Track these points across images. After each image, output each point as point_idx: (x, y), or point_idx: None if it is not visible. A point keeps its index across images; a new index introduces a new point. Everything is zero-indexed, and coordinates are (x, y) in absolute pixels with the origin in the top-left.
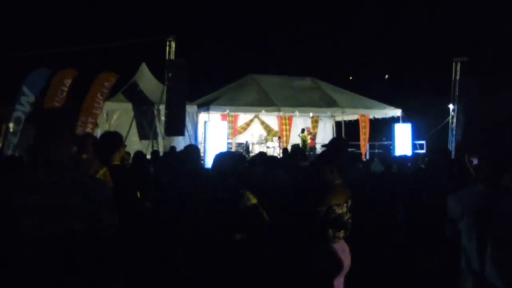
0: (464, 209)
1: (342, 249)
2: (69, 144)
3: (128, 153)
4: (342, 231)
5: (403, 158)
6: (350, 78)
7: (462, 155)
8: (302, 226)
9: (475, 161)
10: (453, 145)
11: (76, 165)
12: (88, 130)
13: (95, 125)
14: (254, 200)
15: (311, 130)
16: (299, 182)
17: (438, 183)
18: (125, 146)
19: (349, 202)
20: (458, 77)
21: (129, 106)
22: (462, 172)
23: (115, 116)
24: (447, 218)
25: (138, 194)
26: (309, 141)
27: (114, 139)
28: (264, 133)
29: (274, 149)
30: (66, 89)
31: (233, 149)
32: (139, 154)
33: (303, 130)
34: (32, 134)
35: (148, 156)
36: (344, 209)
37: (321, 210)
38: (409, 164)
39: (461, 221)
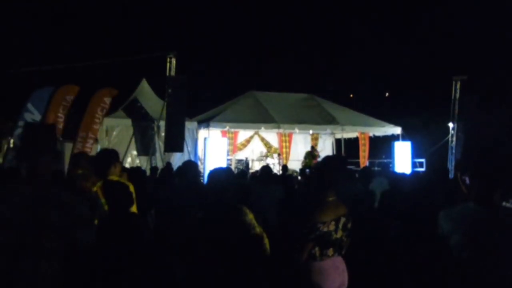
0: (455, 226)
1: (334, 266)
2: (49, 158)
3: (126, 169)
4: (331, 249)
5: (402, 176)
6: (351, 95)
7: (456, 173)
8: (289, 243)
9: (468, 180)
10: (453, 163)
11: (71, 179)
12: (88, 145)
13: (95, 140)
14: (250, 216)
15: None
16: (292, 199)
17: (434, 202)
18: (121, 162)
19: (342, 220)
20: (458, 95)
21: (129, 122)
22: (457, 191)
23: (115, 132)
24: (438, 234)
25: (135, 209)
26: (312, 161)
27: (109, 156)
28: (264, 150)
29: (274, 166)
30: (68, 105)
31: (233, 166)
32: (138, 170)
33: (312, 148)
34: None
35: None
36: (332, 227)
37: (304, 227)
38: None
39: (451, 238)
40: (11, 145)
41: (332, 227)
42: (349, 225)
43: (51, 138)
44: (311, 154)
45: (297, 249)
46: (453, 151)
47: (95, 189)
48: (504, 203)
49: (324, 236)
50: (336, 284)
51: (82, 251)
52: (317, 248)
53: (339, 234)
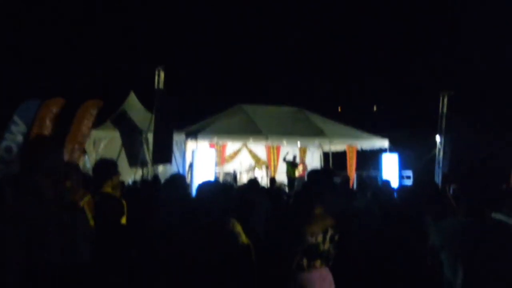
0: (445, 239)
1: (321, 278)
2: (50, 175)
3: (122, 182)
4: (318, 261)
5: (389, 189)
6: (339, 108)
7: (444, 186)
8: (277, 255)
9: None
10: (440, 177)
11: (59, 193)
12: (75, 156)
13: (83, 152)
14: (238, 228)
15: (299, 160)
16: (280, 212)
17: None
18: (119, 174)
19: (330, 231)
20: (445, 110)
21: (116, 134)
22: (443, 203)
23: (102, 144)
24: (428, 248)
25: (124, 221)
26: (296, 170)
27: (108, 167)
28: (253, 162)
29: (262, 178)
30: (54, 117)
31: (221, 178)
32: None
33: (294, 158)
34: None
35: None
36: (320, 239)
37: (293, 239)
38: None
39: (442, 251)
40: None
41: (320, 239)
42: (336, 237)
43: (52, 155)
44: (291, 164)
45: (286, 260)
46: (440, 164)
47: (82, 203)
48: (493, 215)
49: (312, 247)
50: None
51: (82, 266)
52: (305, 259)
53: (327, 245)
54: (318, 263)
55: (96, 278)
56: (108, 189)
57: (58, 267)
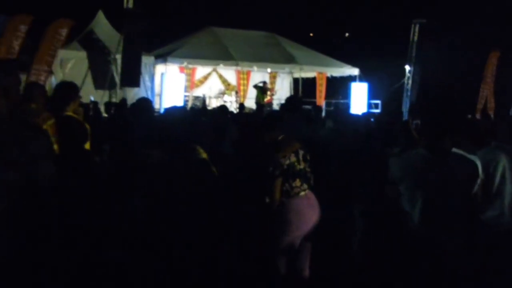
0: (405, 171)
1: (309, 205)
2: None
3: (82, 104)
4: (298, 180)
5: (354, 116)
6: (311, 34)
7: (408, 118)
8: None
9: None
10: (408, 106)
11: (22, 114)
12: (42, 78)
13: (50, 73)
14: (204, 155)
15: (269, 86)
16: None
17: (381, 145)
18: (80, 97)
19: (301, 152)
20: (416, 38)
21: (84, 54)
22: (406, 135)
23: (69, 64)
24: (387, 179)
25: (88, 146)
26: (266, 96)
27: (69, 90)
28: (222, 87)
29: (231, 103)
30: (22, 35)
31: (190, 102)
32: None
33: (263, 83)
34: None
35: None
36: (294, 159)
37: (268, 165)
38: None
39: (401, 183)
40: None
41: (293, 159)
42: (308, 157)
43: (4, 75)
44: (262, 89)
45: (269, 189)
46: (409, 93)
47: (45, 127)
48: (454, 150)
49: (288, 168)
50: (312, 223)
51: (43, 185)
52: (287, 184)
53: (302, 165)
54: (298, 182)
55: (57, 199)
56: (70, 112)
57: (17, 185)
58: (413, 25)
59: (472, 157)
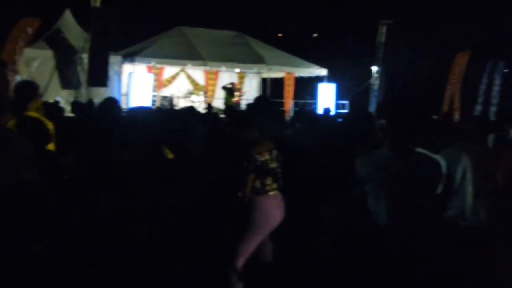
0: (370, 171)
1: (276, 204)
2: None
3: (45, 103)
4: (269, 178)
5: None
6: (279, 34)
7: (374, 117)
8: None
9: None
10: (374, 106)
11: None
12: (8, 77)
13: (16, 72)
14: (171, 156)
15: (238, 86)
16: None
17: (347, 144)
18: (41, 96)
19: (274, 152)
20: (383, 39)
21: (50, 54)
22: (372, 135)
23: (35, 64)
24: (354, 179)
25: (52, 147)
26: (233, 97)
27: (29, 89)
28: (190, 87)
29: (199, 104)
30: None
31: (158, 102)
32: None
33: (232, 84)
34: None
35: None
36: (268, 157)
37: (243, 160)
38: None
39: (367, 183)
40: None
41: (267, 157)
42: (280, 157)
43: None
44: (230, 91)
45: (241, 183)
46: (376, 94)
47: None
48: (418, 149)
49: (262, 166)
50: (276, 223)
51: (28, 190)
52: (258, 181)
53: (274, 164)
54: (269, 180)
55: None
56: (32, 112)
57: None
58: (380, 26)
59: (436, 156)
